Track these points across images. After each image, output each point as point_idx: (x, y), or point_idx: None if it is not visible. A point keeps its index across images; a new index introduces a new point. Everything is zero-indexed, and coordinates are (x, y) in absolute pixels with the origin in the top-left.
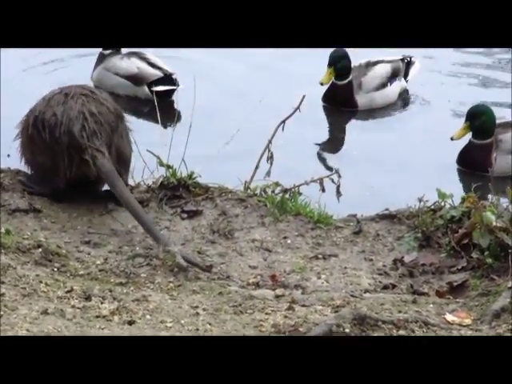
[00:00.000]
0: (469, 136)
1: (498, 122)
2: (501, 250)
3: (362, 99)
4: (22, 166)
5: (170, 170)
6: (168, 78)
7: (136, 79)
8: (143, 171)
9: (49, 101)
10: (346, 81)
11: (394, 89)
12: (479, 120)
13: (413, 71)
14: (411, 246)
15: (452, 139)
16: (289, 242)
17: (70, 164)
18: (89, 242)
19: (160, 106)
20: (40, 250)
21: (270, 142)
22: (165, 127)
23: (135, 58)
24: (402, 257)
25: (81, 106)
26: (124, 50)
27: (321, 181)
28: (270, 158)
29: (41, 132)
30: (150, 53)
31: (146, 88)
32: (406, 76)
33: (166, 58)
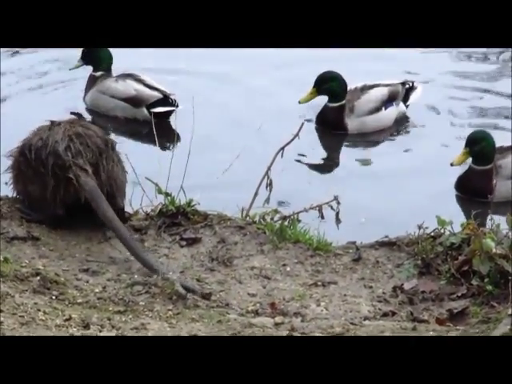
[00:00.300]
0: (469, 162)
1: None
2: (501, 276)
3: (352, 123)
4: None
5: (169, 198)
6: (166, 99)
7: (134, 101)
8: (142, 199)
9: (36, 130)
10: (338, 104)
11: (388, 113)
12: (479, 146)
13: (414, 96)
14: (411, 273)
15: (452, 165)
16: (288, 269)
17: (56, 184)
18: (87, 270)
19: (158, 129)
20: (38, 278)
21: (269, 169)
22: (163, 149)
23: (131, 80)
24: (402, 284)
25: (67, 129)
26: (115, 73)
27: (320, 208)
28: (269, 185)
29: (28, 157)
30: (146, 75)
31: (145, 110)
32: (406, 101)
33: (166, 81)
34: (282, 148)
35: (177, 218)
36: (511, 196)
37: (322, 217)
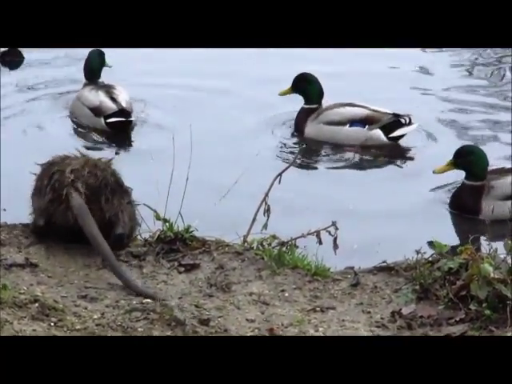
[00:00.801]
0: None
1: (493, 168)
2: (499, 301)
3: (310, 128)
4: (18, 221)
5: (167, 224)
6: (124, 112)
7: (96, 111)
8: (140, 225)
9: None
10: (312, 106)
11: (350, 130)
12: (465, 159)
13: (404, 129)
14: (409, 298)
15: (434, 172)
16: (286, 295)
17: (52, 199)
18: (85, 297)
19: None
20: (37, 304)
21: (266, 195)
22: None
23: (102, 91)
24: (400, 309)
25: (86, 159)
26: (102, 81)
27: (318, 233)
28: (267, 211)
29: (42, 171)
30: (123, 89)
31: (102, 120)
32: (391, 131)
33: (168, 108)
34: (280, 174)
35: (175, 244)
36: (499, 216)
37: (320, 242)
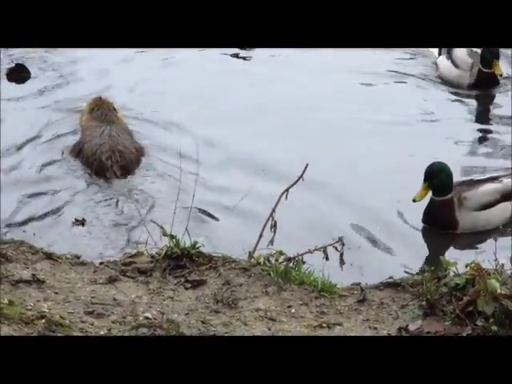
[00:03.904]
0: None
1: (462, 179)
2: (506, 317)
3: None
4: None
5: (174, 240)
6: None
7: None
8: (147, 241)
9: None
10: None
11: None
12: (438, 178)
13: None
14: (416, 314)
15: (414, 201)
16: (293, 310)
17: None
18: (92, 313)
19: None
20: (43, 320)
21: (273, 210)
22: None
23: None
24: (407, 325)
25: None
26: None
27: (324, 249)
28: (274, 227)
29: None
30: None
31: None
32: None
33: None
34: (287, 189)
35: (182, 261)
36: (476, 227)
37: (327, 258)
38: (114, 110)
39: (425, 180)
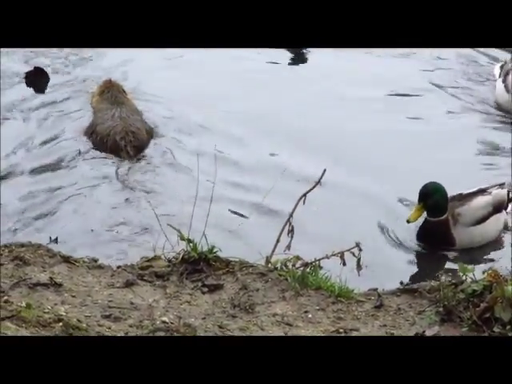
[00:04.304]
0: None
1: (451, 195)
2: None
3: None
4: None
5: (191, 245)
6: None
7: None
8: (164, 245)
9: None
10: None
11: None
12: (432, 198)
13: None
14: (433, 320)
15: (408, 222)
16: (310, 316)
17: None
18: (109, 316)
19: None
20: (60, 324)
21: (290, 215)
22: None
23: None
24: (424, 331)
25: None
26: None
27: (341, 254)
28: (291, 232)
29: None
30: None
31: None
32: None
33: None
34: (305, 194)
35: (199, 265)
36: (473, 243)
37: (344, 263)
38: (124, 91)
39: (419, 201)
